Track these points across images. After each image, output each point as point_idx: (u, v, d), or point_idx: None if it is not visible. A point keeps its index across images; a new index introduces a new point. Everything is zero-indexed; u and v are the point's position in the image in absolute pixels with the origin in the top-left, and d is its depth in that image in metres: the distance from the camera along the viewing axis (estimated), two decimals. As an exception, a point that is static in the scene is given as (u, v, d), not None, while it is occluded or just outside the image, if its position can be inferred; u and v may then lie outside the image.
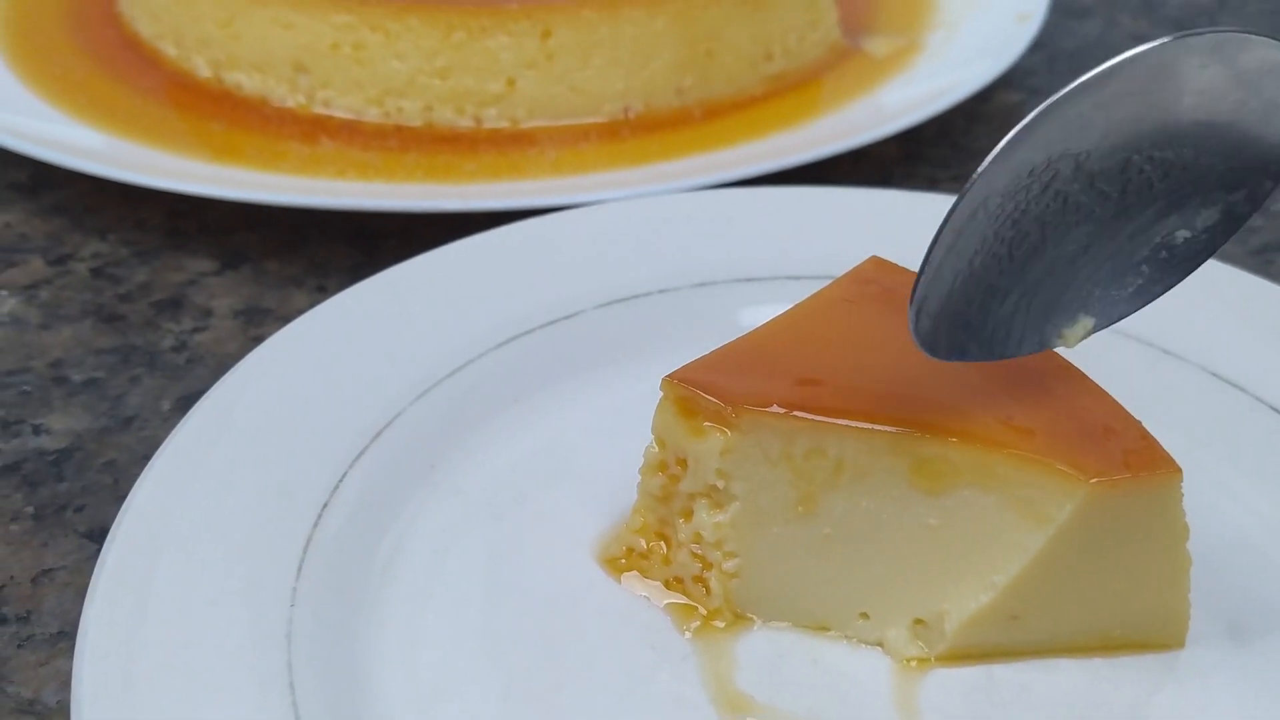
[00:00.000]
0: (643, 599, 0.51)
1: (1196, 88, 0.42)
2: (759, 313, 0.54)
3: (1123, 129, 0.42)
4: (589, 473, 0.55)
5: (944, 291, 0.44)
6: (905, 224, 0.65)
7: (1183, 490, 0.46)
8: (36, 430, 0.61)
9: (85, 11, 0.90)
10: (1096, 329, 0.47)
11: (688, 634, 0.50)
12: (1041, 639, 0.49)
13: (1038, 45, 0.89)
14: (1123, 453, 0.46)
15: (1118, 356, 0.57)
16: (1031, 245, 0.44)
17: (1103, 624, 0.49)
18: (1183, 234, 0.45)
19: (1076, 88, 0.41)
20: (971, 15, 0.88)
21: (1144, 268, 0.46)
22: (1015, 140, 0.41)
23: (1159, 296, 0.46)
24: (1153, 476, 0.46)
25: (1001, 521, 0.47)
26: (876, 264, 0.55)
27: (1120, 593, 0.48)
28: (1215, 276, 0.62)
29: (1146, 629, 0.49)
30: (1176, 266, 0.46)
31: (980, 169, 0.42)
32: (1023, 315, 0.46)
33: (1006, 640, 0.48)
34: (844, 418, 0.47)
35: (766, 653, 0.49)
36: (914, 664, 0.49)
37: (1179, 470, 0.46)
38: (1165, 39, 0.41)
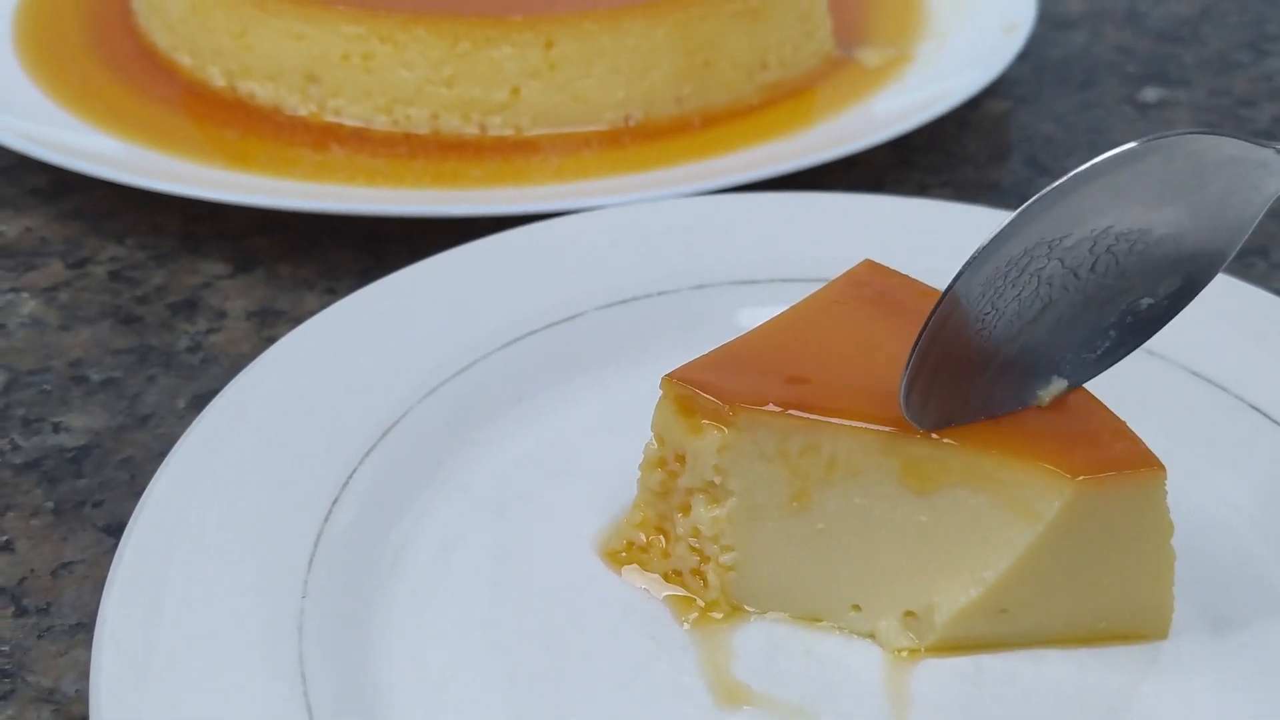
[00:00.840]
0: (642, 591, 0.51)
1: (1161, 179, 0.44)
2: (756, 314, 0.54)
3: (1093, 217, 0.45)
4: (590, 469, 0.55)
5: (930, 371, 0.46)
6: (897, 228, 0.65)
7: (1167, 488, 0.46)
8: (56, 428, 0.61)
9: (103, 23, 0.90)
10: (1069, 389, 0.49)
11: (686, 625, 0.50)
12: (1029, 631, 0.49)
13: (1025, 55, 0.89)
14: (1108, 451, 0.46)
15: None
16: (1010, 323, 0.46)
17: (1089, 617, 0.49)
18: (1146, 301, 0.48)
19: (1054, 190, 0.44)
20: (961, 26, 0.88)
21: (1112, 332, 0.48)
22: (997, 241, 0.44)
23: (1125, 357, 0.49)
24: (1137, 474, 0.46)
25: (991, 519, 0.47)
26: (869, 267, 0.55)
27: (1107, 587, 0.48)
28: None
29: (1132, 621, 0.49)
30: (1142, 330, 0.49)
31: (962, 267, 0.44)
32: (1002, 381, 0.48)
33: (995, 632, 0.48)
34: (838, 416, 0.47)
35: (762, 643, 0.49)
36: (905, 654, 0.49)
37: (1163, 468, 0.46)
38: (1133, 143, 0.43)
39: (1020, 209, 0.44)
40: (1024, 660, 0.48)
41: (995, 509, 0.47)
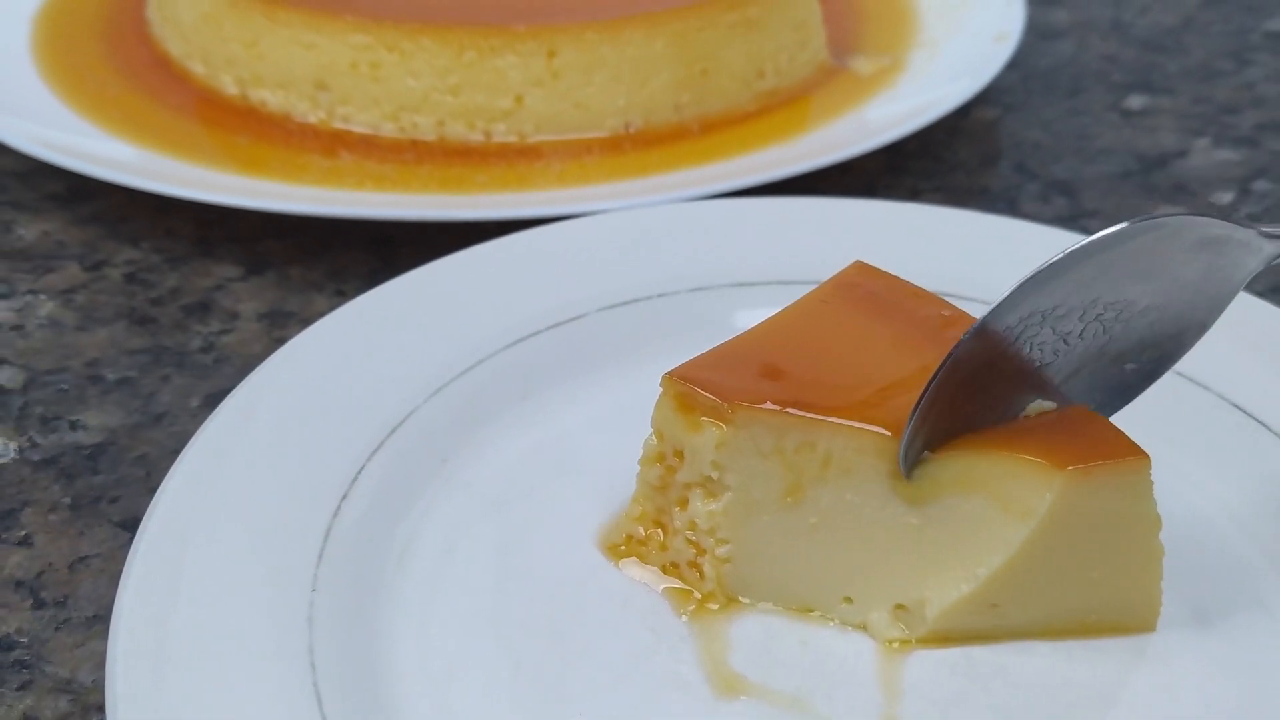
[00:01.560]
0: (641, 583, 0.51)
1: (1149, 256, 0.46)
2: (753, 315, 0.54)
3: (1084, 290, 0.46)
4: (591, 465, 0.55)
5: (928, 431, 0.46)
6: (890, 231, 0.65)
7: (1152, 480, 0.46)
8: (73, 426, 0.61)
9: (119, 32, 0.90)
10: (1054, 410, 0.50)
11: (684, 617, 0.50)
12: (1020, 624, 0.48)
13: (1014, 64, 0.89)
14: (1092, 444, 0.47)
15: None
16: (1002, 385, 0.47)
17: (1079, 610, 0.49)
18: (1131, 366, 0.49)
19: (1050, 267, 0.45)
20: (951, 36, 0.88)
21: (1097, 394, 0.49)
22: (996, 313, 0.45)
23: (1110, 417, 0.49)
24: (1122, 463, 0.46)
25: (983, 518, 0.47)
26: (860, 268, 0.55)
27: (1096, 580, 0.48)
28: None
29: (1121, 614, 0.49)
30: (1125, 392, 0.50)
31: (963, 337, 0.45)
32: (989, 410, 0.48)
33: (986, 625, 0.48)
34: (833, 415, 0.47)
35: (758, 635, 0.49)
36: (896, 645, 0.49)
37: (1147, 457, 0.46)
38: (1125, 224, 0.45)
39: (1018, 283, 0.45)
40: (1013, 652, 0.48)
41: (987, 508, 0.47)
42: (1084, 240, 0.45)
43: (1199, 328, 0.49)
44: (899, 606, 0.49)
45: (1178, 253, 0.46)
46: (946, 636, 0.48)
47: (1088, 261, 0.45)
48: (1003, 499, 0.47)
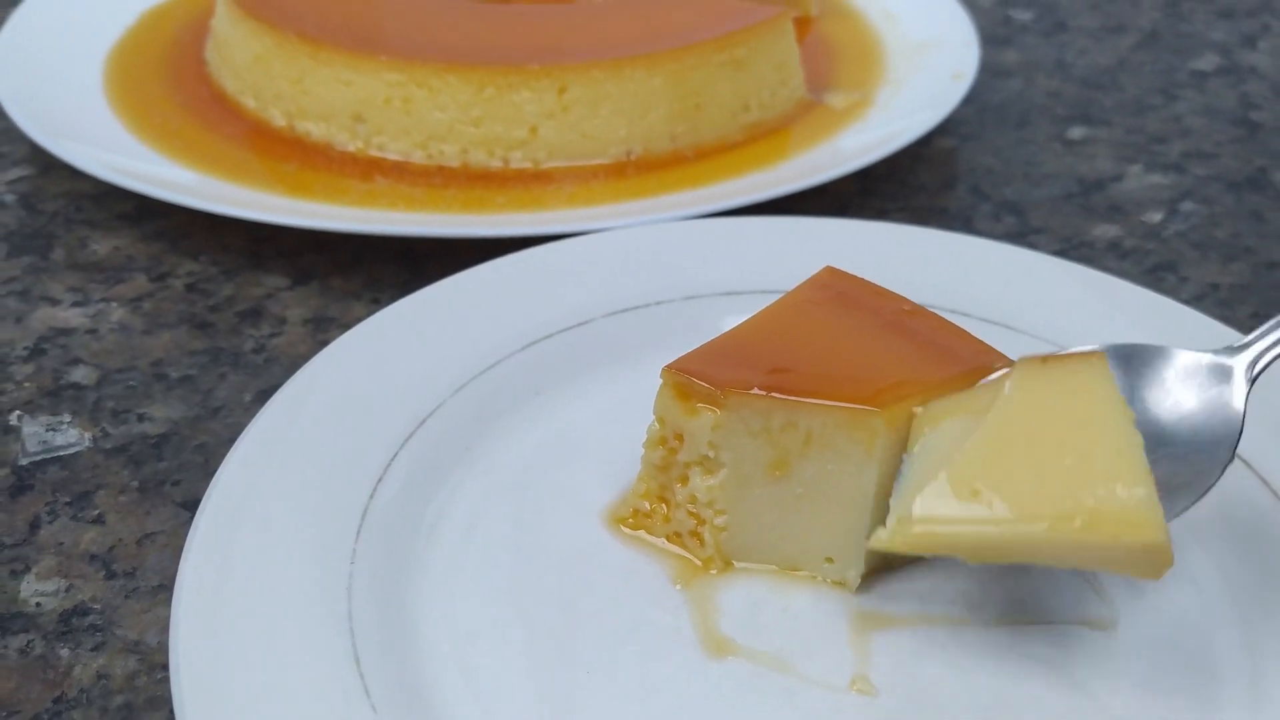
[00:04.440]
0: (645, 555, 0.51)
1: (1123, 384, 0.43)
2: (739, 321, 0.54)
3: None
4: (599, 451, 0.55)
5: None
6: (860, 247, 0.65)
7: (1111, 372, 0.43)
8: (141, 418, 0.61)
9: (180, 72, 0.90)
10: None
11: (679, 586, 0.50)
12: (1010, 528, 0.41)
13: (969, 99, 0.89)
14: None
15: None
16: None
17: (1063, 509, 0.41)
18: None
19: None
20: (914, 75, 0.88)
21: None
22: None
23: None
24: (1077, 354, 0.44)
25: (953, 430, 0.45)
26: (831, 272, 0.55)
27: (1073, 470, 0.41)
28: (1115, 290, 0.62)
29: (1118, 525, 0.40)
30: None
31: None
32: None
33: (973, 529, 0.42)
34: (812, 397, 0.47)
35: (745, 602, 0.49)
36: (869, 619, 0.48)
37: (1103, 354, 0.44)
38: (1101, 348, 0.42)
39: None
40: (972, 628, 0.48)
41: (955, 419, 0.46)
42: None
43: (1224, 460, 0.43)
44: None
45: (1153, 386, 0.43)
46: (934, 542, 0.43)
47: None
48: (963, 401, 0.46)
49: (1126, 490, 0.40)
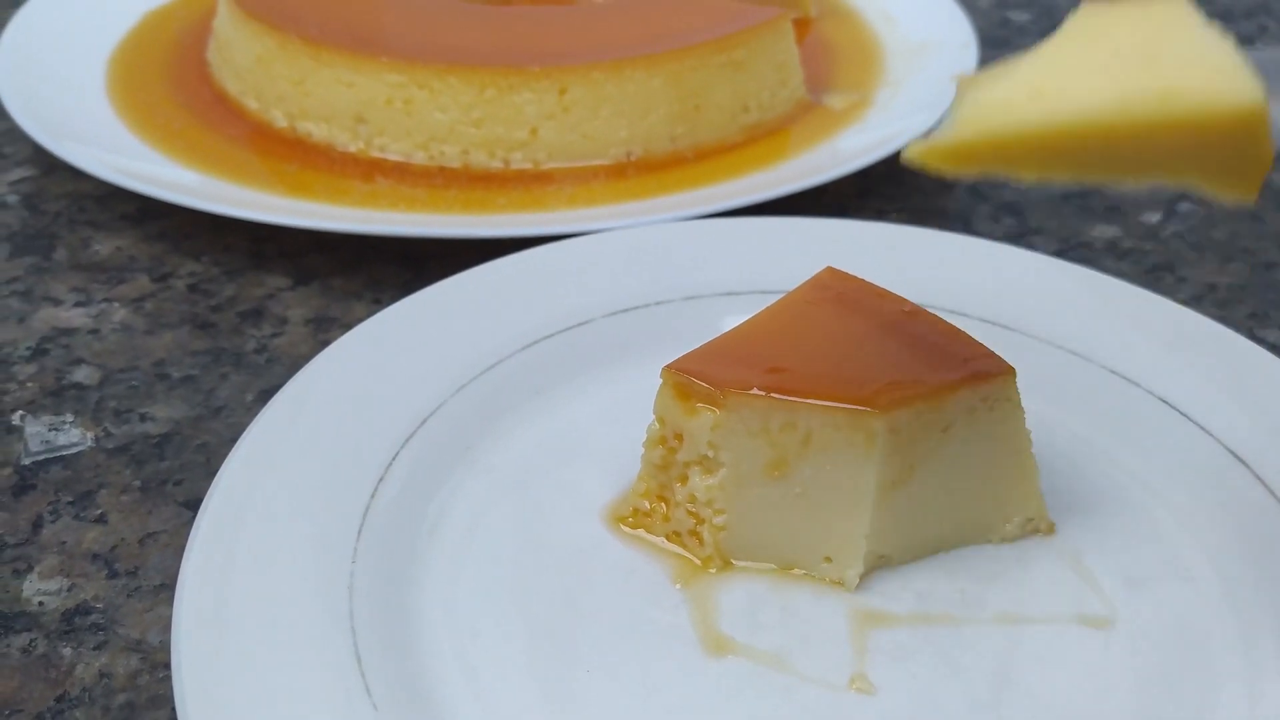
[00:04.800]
0: (645, 553, 0.51)
1: None
2: (738, 321, 0.54)
3: None
4: (599, 450, 0.55)
5: None
6: (859, 247, 0.65)
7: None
8: (143, 418, 0.61)
9: (182, 73, 0.90)
10: None
11: (679, 585, 0.50)
12: (1071, 112, 0.36)
13: (968, 100, 0.89)
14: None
15: (1032, 355, 0.57)
16: None
17: (1138, 83, 0.35)
18: None
19: None
20: (913, 76, 0.88)
21: None
22: None
23: None
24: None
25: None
26: (831, 273, 0.55)
27: (1151, 60, 0.35)
28: (1113, 291, 0.62)
29: (1199, 89, 0.34)
30: None
31: None
32: None
33: (1030, 117, 0.36)
34: (810, 398, 0.47)
35: (744, 601, 0.49)
36: (867, 617, 0.48)
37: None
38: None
39: None
40: (970, 627, 0.48)
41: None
42: None
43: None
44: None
45: None
46: (987, 139, 0.37)
47: None
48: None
49: (1214, 59, 0.34)
